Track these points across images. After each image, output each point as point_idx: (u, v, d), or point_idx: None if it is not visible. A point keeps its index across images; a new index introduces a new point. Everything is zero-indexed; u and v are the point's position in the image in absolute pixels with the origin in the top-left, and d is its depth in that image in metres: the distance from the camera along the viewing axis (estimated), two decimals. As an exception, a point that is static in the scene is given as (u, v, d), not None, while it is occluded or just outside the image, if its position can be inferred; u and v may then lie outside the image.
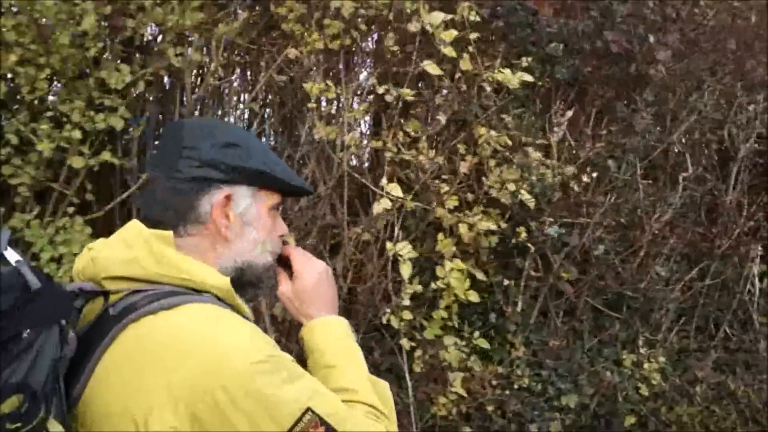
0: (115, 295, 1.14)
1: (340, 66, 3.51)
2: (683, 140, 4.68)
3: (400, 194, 3.20)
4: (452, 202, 3.35)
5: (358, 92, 3.70)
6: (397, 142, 3.34)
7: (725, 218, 4.83)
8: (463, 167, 3.32)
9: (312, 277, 1.32)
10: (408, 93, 3.26)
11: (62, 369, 1.04)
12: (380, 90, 3.28)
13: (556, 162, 3.65)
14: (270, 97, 4.01)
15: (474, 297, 3.30)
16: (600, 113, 4.15)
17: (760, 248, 4.92)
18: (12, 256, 1.06)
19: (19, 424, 0.96)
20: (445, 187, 3.35)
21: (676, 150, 4.66)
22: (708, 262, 4.75)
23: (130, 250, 1.15)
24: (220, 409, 1.03)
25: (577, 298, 4.14)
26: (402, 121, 3.38)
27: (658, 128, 4.36)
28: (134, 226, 1.20)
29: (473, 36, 3.28)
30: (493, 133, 3.31)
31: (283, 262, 1.34)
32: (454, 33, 3.19)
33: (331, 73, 3.64)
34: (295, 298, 1.32)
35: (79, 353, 1.08)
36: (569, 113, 4.04)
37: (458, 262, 3.27)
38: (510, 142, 3.42)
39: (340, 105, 3.51)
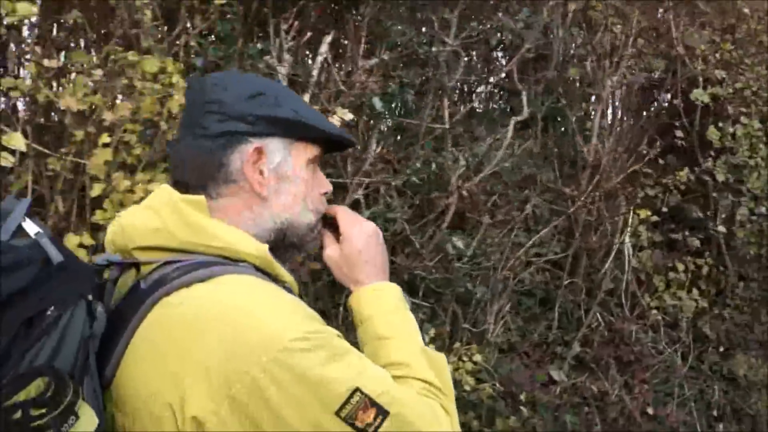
0: (147, 266, 1.08)
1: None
2: (515, 73, 3.60)
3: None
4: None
5: None
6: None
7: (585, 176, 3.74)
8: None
9: (361, 240, 1.22)
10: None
11: (93, 347, 0.99)
12: None
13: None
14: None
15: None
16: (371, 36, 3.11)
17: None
18: (31, 227, 0.99)
19: (43, 410, 0.90)
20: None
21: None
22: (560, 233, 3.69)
23: (158, 218, 1.08)
24: (259, 391, 0.96)
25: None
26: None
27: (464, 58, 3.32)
28: (164, 191, 1.12)
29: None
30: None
31: (329, 223, 1.24)
32: None
33: None
34: (343, 263, 1.22)
35: (112, 329, 1.03)
36: (328, 37, 3.05)
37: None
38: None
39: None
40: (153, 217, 1.09)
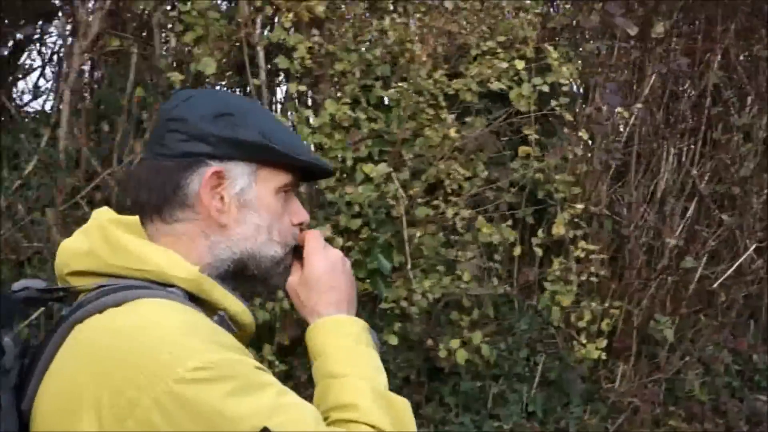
0: (83, 294, 1.03)
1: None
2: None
3: None
4: None
5: None
6: None
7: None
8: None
9: (322, 266, 1.12)
10: None
11: (6, 380, 0.95)
12: None
13: None
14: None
15: None
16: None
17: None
18: None
19: None
20: None
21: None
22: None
23: (88, 240, 1.05)
24: (152, 426, 0.88)
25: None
26: None
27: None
28: (98, 212, 1.09)
29: None
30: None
31: (299, 252, 1.16)
32: None
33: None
34: (302, 290, 1.13)
35: (33, 359, 0.99)
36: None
37: None
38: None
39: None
40: (83, 239, 1.05)
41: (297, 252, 1.13)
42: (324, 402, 1.01)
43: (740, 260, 3.92)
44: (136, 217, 1.06)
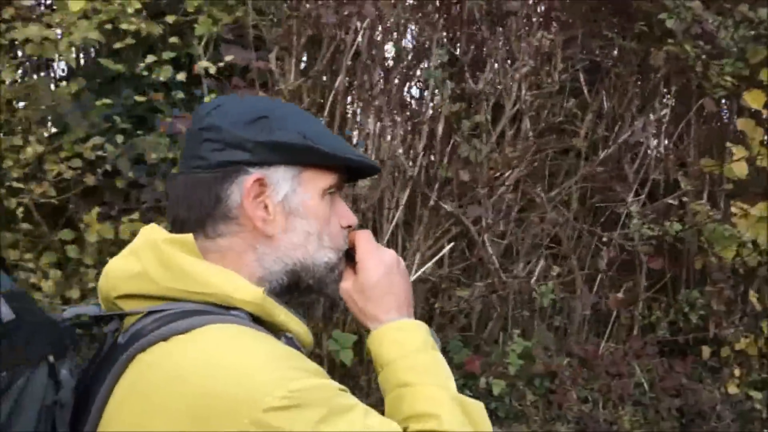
0: (131, 318, 0.96)
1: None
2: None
3: None
4: None
5: None
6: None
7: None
8: None
9: (379, 269, 1.05)
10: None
11: (60, 417, 0.89)
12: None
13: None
14: None
15: None
16: None
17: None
18: None
19: None
20: None
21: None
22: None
23: (139, 262, 0.97)
24: None
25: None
26: None
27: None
28: (148, 230, 1.01)
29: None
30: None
31: (351, 255, 1.08)
32: None
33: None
34: (359, 296, 1.06)
35: (87, 392, 0.93)
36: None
37: None
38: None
39: None
40: (134, 261, 0.98)
41: (348, 256, 1.08)
42: (399, 412, 0.98)
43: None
44: (191, 236, 0.98)
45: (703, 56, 3.73)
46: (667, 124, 3.92)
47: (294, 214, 1.01)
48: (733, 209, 3.43)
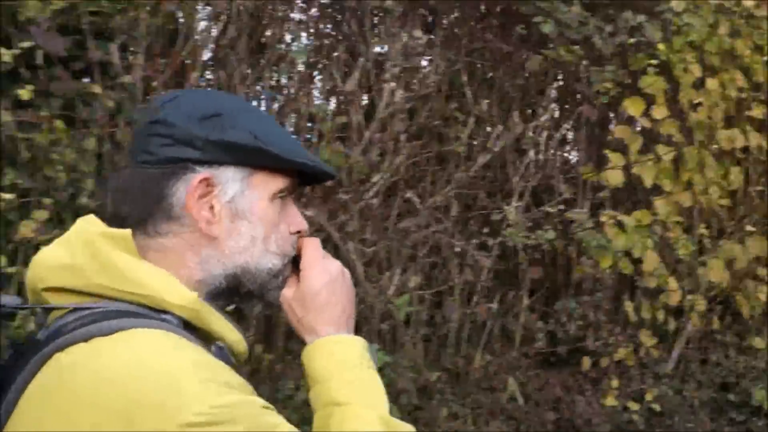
0: (57, 312, 0.91)
1: None
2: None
3: None
4: None
5: None
6: None
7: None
8: None
9: (321, 279, 1.02)
10: None
11: None
12: None
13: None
14: None
15: None
16: None
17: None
18: None
19: None
20: None
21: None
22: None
23: (70, 254, 0.92)
24: None
25: None
26: None
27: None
28: (83, 221, 0.96)
29: None
30: None
31: (297, 262, 1.04)
32: None
33: None
34: (298, 306, 1.02)
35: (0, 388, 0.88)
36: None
37: None
38: None
39: None
40: (65, 252, 0.93)
41: (295, 263, 1.04)
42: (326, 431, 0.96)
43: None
44: (129, 232, 0.93)
45: (584, 62, 3.66)
46: (549, 131, 3.83)
47: (240, 216, 0.97)
48: (603, 218, 3.35)
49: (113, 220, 0.97)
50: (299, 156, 0.99)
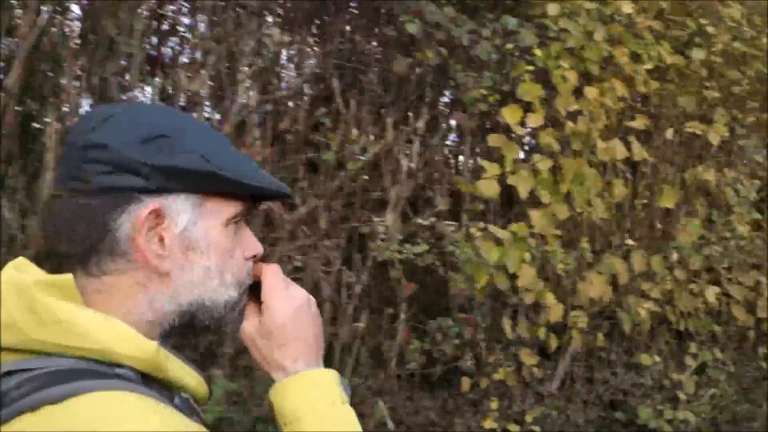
0: None
1: None
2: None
3: None
4: None
5: None
6: None
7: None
8: None
9: (287, 310, 0.96)
10: None
11: None
12: None
13: None
14: None
15: None
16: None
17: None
18: None
19: None
20: None
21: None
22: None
23: (4, 308, 0.82)
24: None
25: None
26: None
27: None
28: (13, 268, 0.86)
29: None
30: None
31: (255, 289, 0.97)
32: None
33: None
34: (263, 341, 0.97)
35: None
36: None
37: None
38: None
39: None
40: None
41: (252, 290, 0.97)
42: None
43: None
44: (70, 278, 0.84)
45: (459, 66, 3.48)
46: (426, 138, 3.62)
47: (193, 248, 0.90)
48: (473, 230, 3.15)
49: (50, 259, 0.89)
50: (256, 179, 0.91)
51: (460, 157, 3.84)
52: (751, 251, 4.98)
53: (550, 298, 3.53)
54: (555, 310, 3.63)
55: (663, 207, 4.25)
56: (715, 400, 4.83)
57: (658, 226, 4.28)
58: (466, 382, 3.75)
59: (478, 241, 3.17)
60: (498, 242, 3.36)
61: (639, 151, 4.06)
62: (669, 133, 3.90)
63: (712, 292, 4.12)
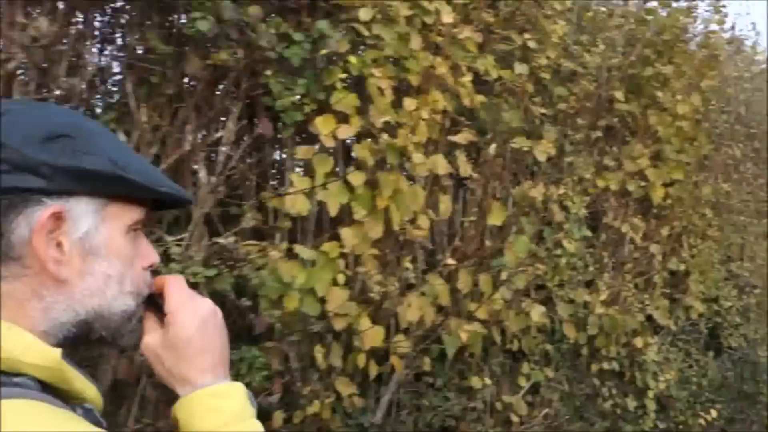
0: None
1: None
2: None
3: None
4: None
5: None
6: None
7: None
8: None
9: (192, 323, 0.94)
10: None
11: None
12: None
13: None
14: None
15: None
16: None
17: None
18: None
19: None
20: None
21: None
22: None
23: None
24: None
25: None
26: None
27: None
28: None
29: None
30: None
31: (154, 300, 0.95)
32: None
33: None
34: (167, 355, 0.94)
35: None
36: None
37: None
38: None
39: None
40: None
41: (151, 302, 0.95)
42: None
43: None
44: None
45: (269, 72, 3.18)
46: (230, 148, 3.28)
47: (93, 254, 0.87)
48: (272, 252, 2.84)
49: None
50: (161, 184, 0.91)
51: (273, 171, 3.53)
52: (583, 268, 4.99)
53: (365, 323, 3.28)
54: (372, 335, 3.38)
55: (493, 224, 4.12)
56: (548, 420, 4.77)
57: (488, 243, 4.14)
58: (279, 417, 3.42)
59: (279, 262, 2.86)
60: (307, 263, 3.08)
61: (464, 167, 3.92)
62: (492, 149, 3.76)
63: (537, 311, 4.03)
